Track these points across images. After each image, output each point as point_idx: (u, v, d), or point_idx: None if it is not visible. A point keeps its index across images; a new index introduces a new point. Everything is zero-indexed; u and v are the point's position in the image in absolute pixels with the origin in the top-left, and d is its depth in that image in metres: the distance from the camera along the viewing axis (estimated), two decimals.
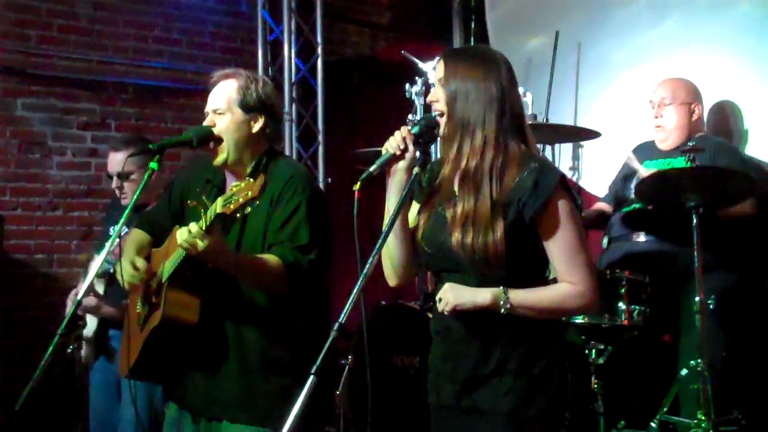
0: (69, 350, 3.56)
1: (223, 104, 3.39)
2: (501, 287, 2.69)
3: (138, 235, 3.59)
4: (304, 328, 3.34)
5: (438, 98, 2.83)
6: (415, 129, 2.82)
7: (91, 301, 4.33)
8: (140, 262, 3.37)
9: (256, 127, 3.40)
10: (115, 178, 4.52)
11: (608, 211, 5.02)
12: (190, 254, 3.05)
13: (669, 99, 4.81)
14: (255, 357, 3.30)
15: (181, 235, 3.02)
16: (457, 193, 2.80)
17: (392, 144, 2.80)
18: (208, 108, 3.44)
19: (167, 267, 3.27)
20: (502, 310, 2.68)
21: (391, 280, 2.98)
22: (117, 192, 4.56)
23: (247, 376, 3.30)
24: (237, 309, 3.30)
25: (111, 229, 4.60)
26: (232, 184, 3.00)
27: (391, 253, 2.93)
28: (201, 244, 2.99)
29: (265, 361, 3.29)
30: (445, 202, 2.83)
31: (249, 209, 2.96)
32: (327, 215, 3.38)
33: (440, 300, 2.76)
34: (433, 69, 5.70)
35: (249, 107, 3.39)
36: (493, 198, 2.71)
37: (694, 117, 4.81)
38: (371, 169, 2.75)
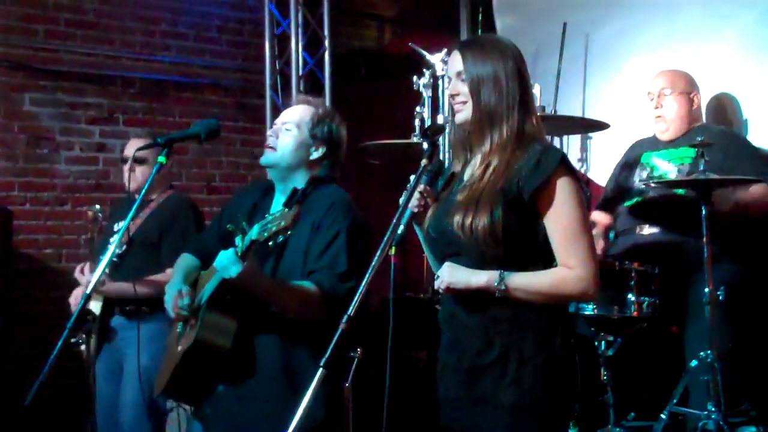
0: (78, 343, 3.55)
1: (295, 120, 3.44)
2: (498, 270, 2.68)
3: (185, 261, 3.62)
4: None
5: (458, 91, 2.82)
6: (424, 158, 2.81)
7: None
8: (186, 291, 3.38)
9: (315, 154, 3.45)
10: (130, 161, 4.52)
11: (609, 223, 4.99)
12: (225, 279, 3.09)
13: (668, 89, 4.80)
14: (288, 384, 3.28)
15: (218, 259, 3.07)
16: (467, 180, 2.81)
17: (413, 203, 2.78)
18: (279, 121, 3.50)
19: (207, 290, 3.30)
20: (497, 292, 2.67)
21: None
22: (126, 175, 4.59)
23: (277, 403, 3.27)
24: (274, 335, 3.30)
25: (116, 225, 4.65)
26: (270, 213, 3.06)
27: (434, 263, 2.95)
28: (233, 270, 3.03)
29: (292, 386, 3.26)
30: (455, 189, 2.84)
31: (281, 238, 2.98)
32: (368, 243, 3.37)
33: (437, 278, 2.77)
34: (441, 61, 5.69)
35: (316, 136, 3.44)
36: (498, 181, 2.71)
37: (694, 106, 4.80)
38: (399, 231, 2.70)
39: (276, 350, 3.30)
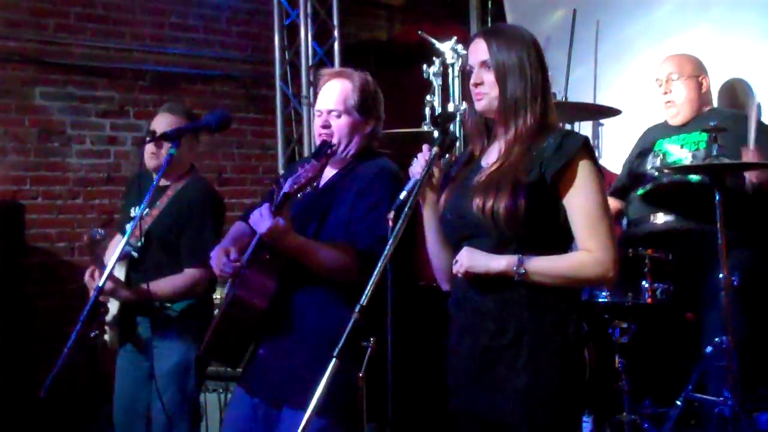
0: (92, 335, 3.54)
1: (340, 106, 3.44)
2: (517, 255, 2.68)
3: (238, 227, 3.63)
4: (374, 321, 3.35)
5: (483, 80, 2.81)
6: (435, 146, 2.80)
7: (107, 285, 4.28)
8: (234, 250, 3.37)
9: (368, 129, 3.49)
10: (156, 135, 4.34)
11: (621, 208, 4.97)
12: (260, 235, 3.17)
13: (676, 73, 4.78)
14: (324, 344, 3.27)
15: (252, 216, 3.17)
16: (485, 166, 2.82)
17: (416, 169, 2.80)
18: (322, 107, 3.48)
19: (249, 249, 3.34)
20: (516, 276, 2.67)
21: (444, 284, 3.00)
22: (150, 152, 4.47)
23: (315, 363, 3.27)
24: (310, 296, 3.33)
25: (132, 210, 4.55)
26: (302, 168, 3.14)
27: (439, 258, 2.95)
28: (264, 224, 3.12)
29: (332, 350, 3.28)
30: (473, 174, 2.84)
31: (309, 190, 3.12)
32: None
33: (456, 263, 2.76)
34: (451, 49, 5.68)
35: (365, 109, 3.47)
36: (519, 165, 2.71)
37: (703, 89, 4.79)
38: (401, 196, 2.72)
39: (314, 311, 3.33)
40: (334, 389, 2.44)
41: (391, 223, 2.66)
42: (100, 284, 3.38)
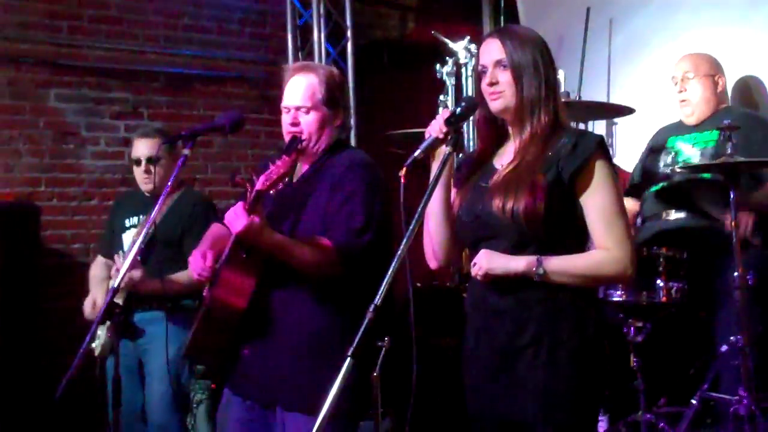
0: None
1: (308, 102, 3.40)
2: (536, 255, 2.68)
3: (216, 229, 3.62)
4: (359, 315, 3.35)
5: (498, 80, 2.81)
6: (458, 110, 2.79)
7: (136, 273, 4.33)
8: (210, 254, 3.36)
9: (337, 122, 3.45)
10: (143, 162, 4.56)
11: (637, 210, 4.95)
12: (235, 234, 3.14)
13: (692, 72, 4.77)
14: (308, 343, 3.29)
15: (227, 215, 3.14)
16: (499, 166, 2.82)
17: (434, 128, 2.77)
18: (289, 103, 3.43)
19: (225, 250, 3.32)
20: (536, 276, 2.67)
21: (432, 262, 2.98)
22: (142, 177, 4.61)
23: (300, 362, 3.29)
24: (291, 294, 3.30)
25: (128, 220, 4.66)
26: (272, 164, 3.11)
27: (432, 235, 2.93)
28: (239, 223, 3.09)
29: (319, 348, 3.28)
30: (487, 175, 2.84)
31: (281, 185, 3.09)
32: (387, 202, 3.38)
33: (474, 265, 2.75)
34: (464, 49, 5.68)
35: (332, 103, 3.42)
36: (535, 165, 2.72)
37: (719, 89, 4.77)
38: (415, 153, 2.71)
39: (295, 309, 3.31)
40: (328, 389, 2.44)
41: (403, 180, 2.63)
42: (115, 285, 3.38)
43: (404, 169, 2.65)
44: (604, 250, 2.72)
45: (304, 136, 3.38)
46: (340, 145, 3.49)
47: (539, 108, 2.78)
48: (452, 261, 3.02)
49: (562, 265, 2.70)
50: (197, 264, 3.33)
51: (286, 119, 3.44)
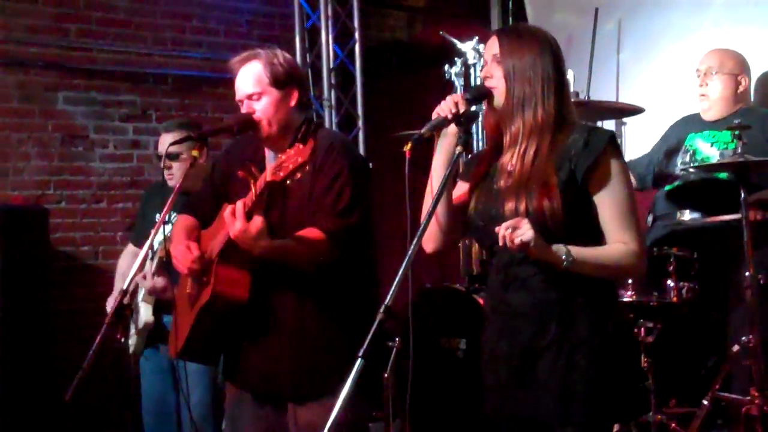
0: (122, 340, 3.54)
1: (257, 88, 3.40)
2: (563, 244, 2.67)
3: (185, 221, 3.60)
4: (358, 302, 3.35)
5: (492, 74, 2.83)
6: (468, 94, 2.81)
7: (159, 282, 4.33)
8: (194, 246, 3.37)
9: (293, 101, 3.42)
10: (164, 158, 4.53)
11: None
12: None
13: (716, 68, 4.75)
14: (311, 333, 3.31)
15: (227, 212, 3.09)
16: (509, 166, 2.81)
17: (444, 108, 2.77)
18: (241, 95, 3.44)
19: (216, 244, 3.30)
20: (564, 263, 2.65)
21: (428, 245, 2.93)
22: (165, 172, 4.59)
23: (305, 354, 3.30)
24: (288, 285, 3.30)
25: (157, 216, 4.61)
26: (282, 154, 3.02)
27: (439, 216, 2.91)
28: (236, 226, 3.05)
29: (321, 337, 3.30)
30: (497, 176, 2.84)
31: (299, 175, 2.97)
32: (369, 181, 3.42)
33: (515, 230, 2.59)
34: (473, 49, 5.68)
35: (281, 83, 3.40)
36: (546, 163, 2.72)
37: (740, 89, 4.74)
38: (422, 131, 2.73)
39: (292, 302, 3.31)
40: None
41: (407, 154, 2.65)
42: (124, 287, 3.37)
43: (409, 143, 2.66)
44: (622, 244, 2.73)
45: (263, 122, 3.35)
46: (311, 125, 3.44)
47: (531, 105, 2.76)
48: (447, 247, 3.00)
49: (588, 254, 2.69)
50: (186, 257, 3.32)
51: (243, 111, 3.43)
